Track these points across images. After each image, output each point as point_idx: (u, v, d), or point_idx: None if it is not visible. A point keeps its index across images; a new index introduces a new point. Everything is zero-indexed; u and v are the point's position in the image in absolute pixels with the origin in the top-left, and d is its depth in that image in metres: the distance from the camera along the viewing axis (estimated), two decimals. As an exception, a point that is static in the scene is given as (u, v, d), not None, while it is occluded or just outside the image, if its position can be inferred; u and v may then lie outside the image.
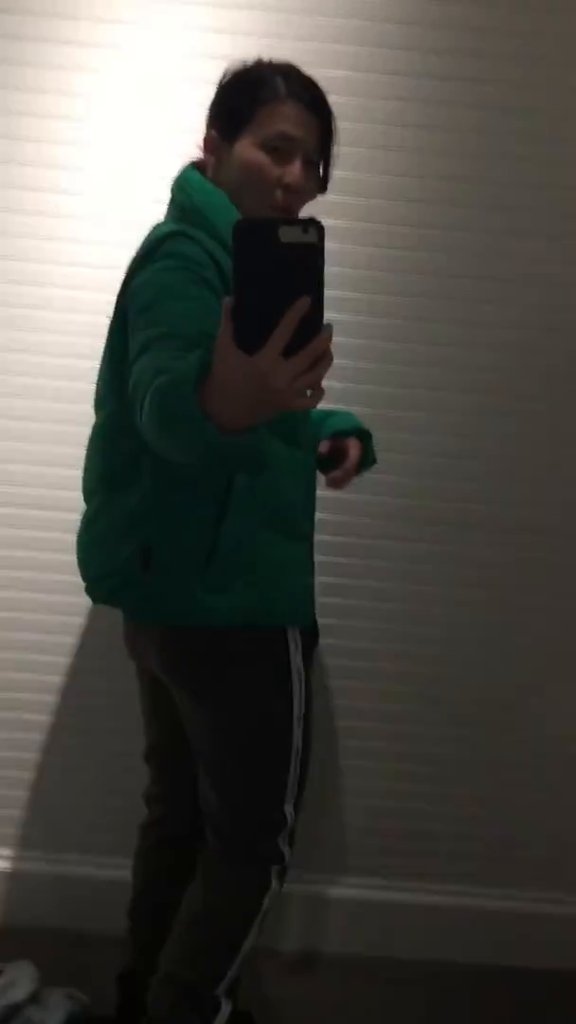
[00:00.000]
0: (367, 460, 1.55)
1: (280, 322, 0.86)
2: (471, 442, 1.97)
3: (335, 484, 1.48)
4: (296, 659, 1.39)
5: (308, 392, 0.91)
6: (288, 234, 0.86)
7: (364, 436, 1.55)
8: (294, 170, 1.31)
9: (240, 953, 1.40)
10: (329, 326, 0.88)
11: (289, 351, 0.87)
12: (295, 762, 1.41)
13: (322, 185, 1.41)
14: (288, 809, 1.41)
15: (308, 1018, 1.80)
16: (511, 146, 1.90)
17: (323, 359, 0.89)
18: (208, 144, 1.38)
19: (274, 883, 1.42)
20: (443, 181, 1.90)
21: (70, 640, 1.96)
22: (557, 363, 1.96)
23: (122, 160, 1.88)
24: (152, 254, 1.27)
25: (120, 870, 1.82)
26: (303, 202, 1.37)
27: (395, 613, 1.99)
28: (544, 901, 2.06)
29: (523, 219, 1.92)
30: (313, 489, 1.45)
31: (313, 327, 0.87)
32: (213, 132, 1.37)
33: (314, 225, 0.86)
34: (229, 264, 1.16)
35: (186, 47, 1.86)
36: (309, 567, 1.45)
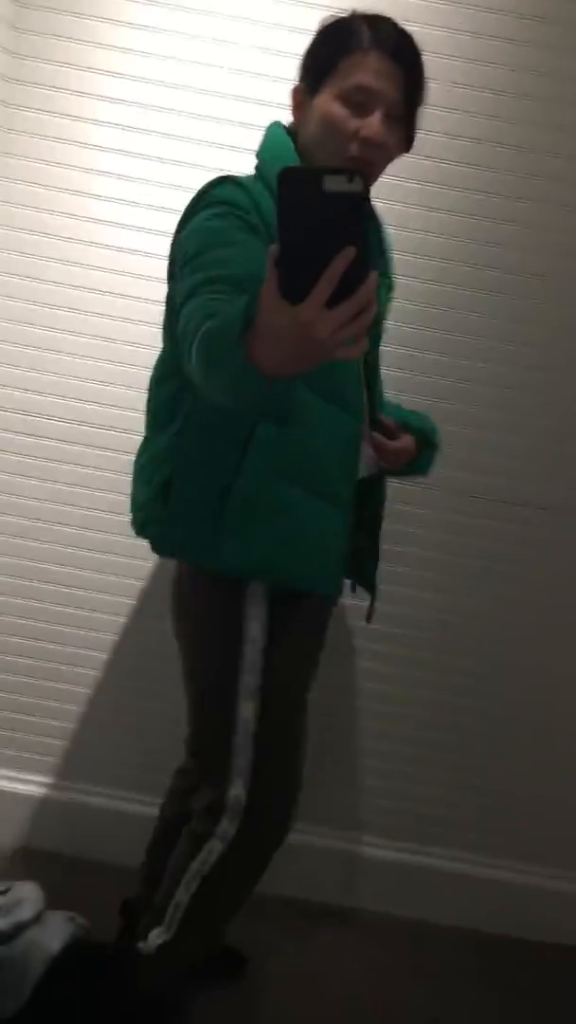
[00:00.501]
0: (419, 464, 1.54)
1: (324, 272, 0.85)
2: (515, 416, 1.95)
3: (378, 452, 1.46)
4: (252, 628, 1.34)
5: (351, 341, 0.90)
6: (332, 183, 0.84)
7: (425, 442, 1.53)
8: (372, 123, 1.25)
9: (172, 900, 1.44)
10: (373, 275, 0.87)
11: (332, 301, 0.86)
12: (243, 739, 1.36)
13: (407, 142, 1.34)
14: (234, 792, 1.38)
15: (305, 965, 1.84)
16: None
17: (367, 309, 0.88)
18: (295, 97, 1.34)
19: (214, 843, 1.40)
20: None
21: (115, 579, 1.98)
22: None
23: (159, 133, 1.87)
24: (199, 201, 1.27)
25: (133, 804, 1.87)
26: (386, 158, 1.31)
27: (430, 582, 2.00)
28: (554, 877, 2.08)
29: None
30: (354, 453, 1.39)
31: (357, 277, 0.86)
32: (300, 85, 1.33)
33: (359, 174, 0.85)
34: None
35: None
36: (337, 531, 1.38)
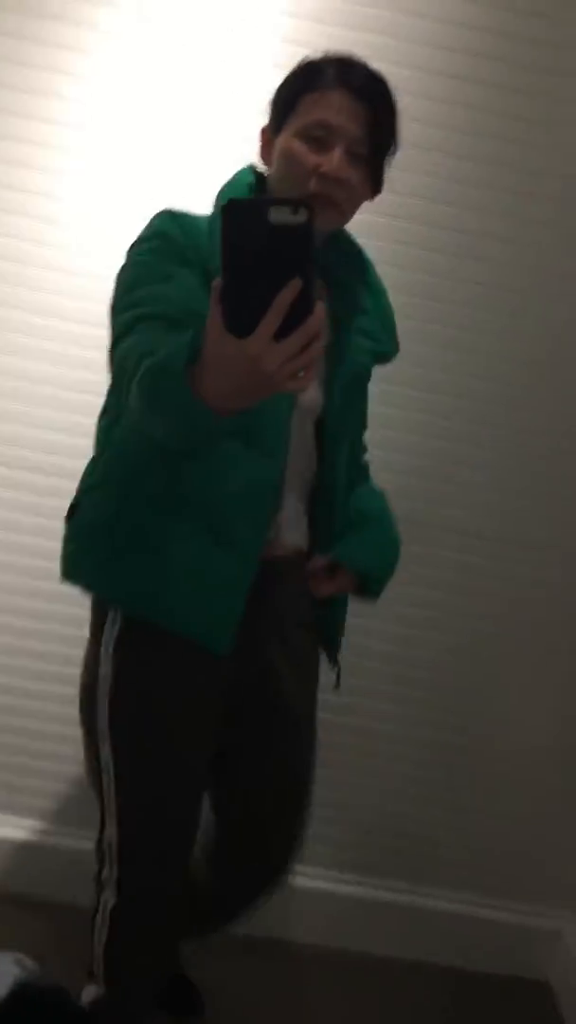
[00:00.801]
0: (367, 592, 1.44)
1: (271, 305, 0.84)
2: (474, 449, 1.97)
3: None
4: (104, 665, 1.30)
5: (300, 373, 0.89)
6: (277, 214, 0.84)
7: (367, 583, 1.42)
8: (332, 158, 1.21)
9: (92, 954, 1.41)
10: (320, 307, 0.87)
11: (280, 333, 0.86)
12: (107, 781, 1.32)
13: (375, 184, 1.30)
14: (107, 834, 1.34)
15: (263, 1000, 1.82)
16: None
17: (314, 341, 0.87)
18: (262, 137, 1.33)
19: (106, 892, 1.37)
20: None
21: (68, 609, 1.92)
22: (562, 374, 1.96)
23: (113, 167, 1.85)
24: (140, 235, 1.27)
25: (78, 840, 1.83)
26: (351, 197, 1.27)
27: (399, 616, 1.98)
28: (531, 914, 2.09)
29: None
30: (265, 500, 1.30)
31: (304, 309, 0.85)
32: (267, 125, 1.32)
33: (304, 205, 0.84)
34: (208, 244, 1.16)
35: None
36: (229, 577, 1.26)
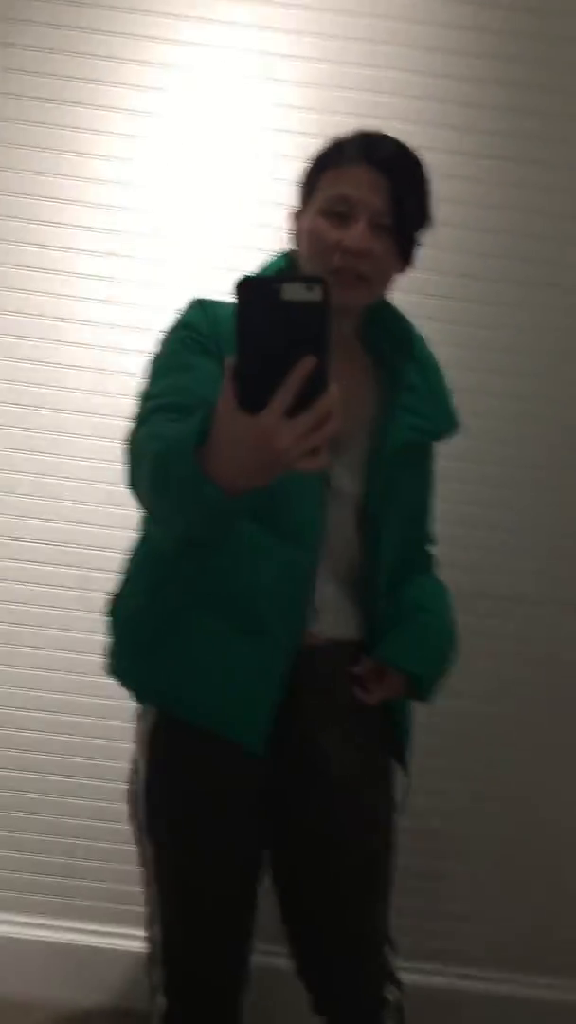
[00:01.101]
0: (420, 693, 1.33)
1: (284, 382, 0.83)
2: (506, 513, 1.95)
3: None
4: (139, 758, 1.28)
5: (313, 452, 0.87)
6: (291, 292, 0.83)
7: (418, 684, 1.31)
8: (354, 232, 1.20)
9: None
10: (334, 386, 0.85)
11: (294, 411, 0.84)
12: (150, 878, 1.28)
13: (404, 257, 1.28)
14: (152, 934, 1.29)
15: None
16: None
17: (329, 419, 0.85)
18: (292, 222, 1.32)
19: (159, 996, 1.28)
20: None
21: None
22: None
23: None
24: (170, 325, 1.28)
25: (115, 939, 1.80)
26: (379, 269, 1.24)
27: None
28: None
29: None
30: (297, 587, 1.24)
31: (319, 386, 0.84)
32: (295, 208, 1.32)
33: (319, 283, 0.83)
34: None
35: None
36: (259, 669, 1.21)
